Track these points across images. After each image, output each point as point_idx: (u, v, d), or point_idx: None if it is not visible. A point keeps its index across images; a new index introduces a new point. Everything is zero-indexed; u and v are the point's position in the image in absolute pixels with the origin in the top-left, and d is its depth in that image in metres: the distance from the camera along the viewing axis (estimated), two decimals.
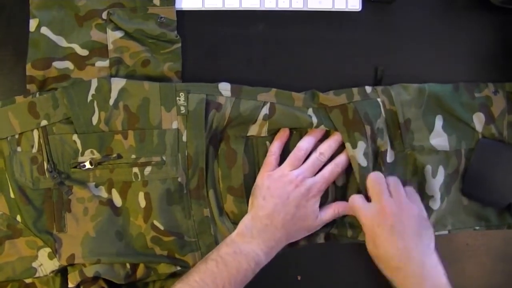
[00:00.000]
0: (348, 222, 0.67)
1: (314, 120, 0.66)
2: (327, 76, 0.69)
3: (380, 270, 0.61)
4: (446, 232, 0.68)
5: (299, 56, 0.70)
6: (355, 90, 0.67)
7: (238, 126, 0.66)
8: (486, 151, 0.67)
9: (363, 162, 0.65)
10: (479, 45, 0.71)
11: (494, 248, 0.71)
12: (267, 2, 0.70)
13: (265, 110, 0.65)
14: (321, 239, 0.68)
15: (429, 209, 0.67)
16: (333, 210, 0.65)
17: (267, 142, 0.67)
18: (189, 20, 0.69)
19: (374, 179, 0.63)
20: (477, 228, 0.69)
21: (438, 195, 0.67)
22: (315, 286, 0.69)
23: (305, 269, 0.69)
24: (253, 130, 0.66)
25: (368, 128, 0.65)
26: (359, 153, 0.65)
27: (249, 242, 0.60)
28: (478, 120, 0.68)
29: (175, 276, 0.66)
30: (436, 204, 0.67)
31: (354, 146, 0.65)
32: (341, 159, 0.65)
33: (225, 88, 0.66)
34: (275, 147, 0.65)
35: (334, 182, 0.67)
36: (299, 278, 0.68)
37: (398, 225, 0.59)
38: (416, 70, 0.70)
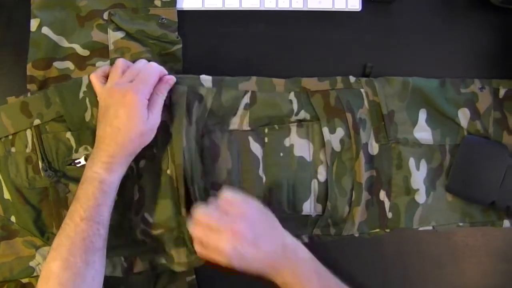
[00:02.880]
0: (331, 220, 0.67)
1: (295, 106, 0.66)
2: (327, 76, 0.69)
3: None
4: (430, 227, 0.68)
5: (299, 56, 0.70)
6: (338, 78, 0.67)
7: (220, 119, 0.65)
8: (472, 148, 0.67)
9: (337, 148, 0.66)
10: (478, 45, 0.71)
11: (494, 248, 0.70)
12: (267, 2, 0.70)
13: (246, 100, 0.66)
14: (304, 240, 0.67)
15: (415, 203, 0.67)
16: (158, 106, 0.60)
17: (249, 137, 0.66)
18: (189, 20, 0.69)
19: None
20: (461, 224, 0.68)
21: (423, 189, 0.67)
22: None
23: None
24: (234, 123, 0.66)
25: (349, 116, 0.66)
26: (336, 139, 0.66)
27: (90, 167, 0.57)
28: (463, 116, 0.68)
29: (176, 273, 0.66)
30: (421, 198, 0.67)
31: (332, 131, 0.66)
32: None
33: (206, 79, 0.65)
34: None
35: (316, 178, 0.66)
36: None
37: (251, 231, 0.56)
38: (416, 70, 0.70)
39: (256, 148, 0.66)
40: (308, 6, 0.70)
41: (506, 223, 0.68)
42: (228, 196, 0.58)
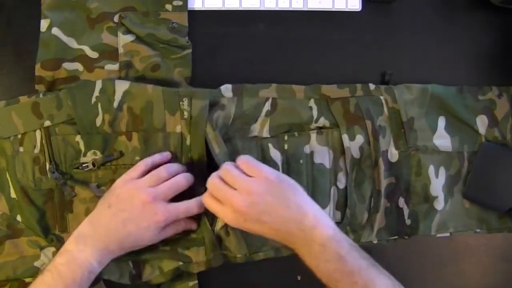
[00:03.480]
0: (349, 227, 0.67)
1: (315, 113, 0.66)
2: (327, 76, 0.69)
3: None
4: (447, 234, 0.69)
5: (299, 56, 0.70)
6: (358, 85, 0.68)
7: (242, 126, 0.65)
8: (489, 155, 0.68)
9: (357, 155, 0.66)
10: (479, 45, 0.71)
11: (494, 248, 0.71)
12: (267, 2, 0.70)
13: (267, 106, 0.66)
14: None
15: (433, 210, 0.67)
16: (175, 226, 0.62)
17: (269, 144, 0.66)
18: (190, 20, 0.68)
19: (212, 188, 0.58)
20: (478, 231, 0.69)
21: (442, 196, 0.67)
22: (315, 286, 0.69)
23: (305, 269, 0.69)
24: (255, 130, 0.66)
25: (368, 123, 0.66)
26: (355, 146, 0.66)
27: (83, 251, 0.57)
28: (482, 123, 0.68)
29: (182, 275, 0.66)
30: (440, 205, 0.67)
31: (352, 138, 0.66)
32: (184, 176, 0.62)
33: (226, 89, 0.66)
34: (151, 159, 0.62)
35: (336, 185, 0.67)
36: (299, 278, 0.68)
37: (272, 197, 0.56)
38: (415, 70, 0.70)
39: (275, 154, 0.66)
40: (308, 6, 0.70)
41: None
42: (243, 160, 0.59)
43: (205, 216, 0.64)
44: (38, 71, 0.65)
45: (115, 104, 0.63)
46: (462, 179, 0.69)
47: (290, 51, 0.70)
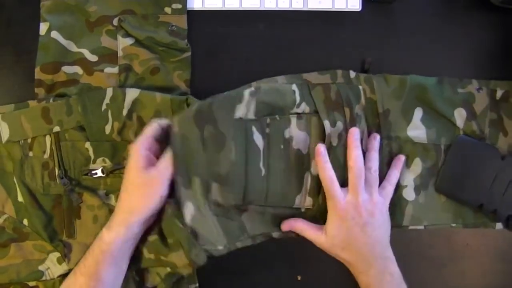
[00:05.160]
0: (319, 213, 0.66)
1: (297, 97, 0.65)
2: None
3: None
4: (422, 227, 0.68)
5: (299, 56, 0.70)
6: (339, 72, 0.67)
7: (225, 106, 0.61)
8: (463, 148, 0.67)
9: (335, 142, 0.64)
10: (479, 45, 0.71)
11: (494, 248, 0.71)
12: (267, 2, 0.70)
13: (251, 88, 0.63)
14: (291, 234, 0.66)
15: (402, 200, 0.67)
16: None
17: (253, 127, 0.63)
18: (189, 20, 0.69)
19: (357, 172, 0.62)
20: (453, 225, 0.68)
21: (411, 186, 0.67)
22: (315, 286, 0.70)
23: (305, 269, 0.69)
24: (240, 111, 0.62)
25: (347, 111, 0.65)
26: (335, 133, 0.65)
27: (109, 230, 0.57)
28: (460, 116, 0.68)
29: (182, 279, 0.66)
30: (410, 195, 0.67)
31: (333, 125, 0.65)
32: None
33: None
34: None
35: (309, 171, 0.65)
36: (299, 278, 0.68)
37: (370, 223, 0.61)
38: (415, 70, 0.70)
39: (258, 138, 0.63)
40: (308, 6, 0.70)
41: (498, 225, 0.68)
42: (363, 201, 0.61)
43: (174, 217, 0.60)
44: (38, 74, 0.66)
45: (124, 112, 0.63)
46: (437, 172, 0.68)
47: (290, 51, 0.70)
